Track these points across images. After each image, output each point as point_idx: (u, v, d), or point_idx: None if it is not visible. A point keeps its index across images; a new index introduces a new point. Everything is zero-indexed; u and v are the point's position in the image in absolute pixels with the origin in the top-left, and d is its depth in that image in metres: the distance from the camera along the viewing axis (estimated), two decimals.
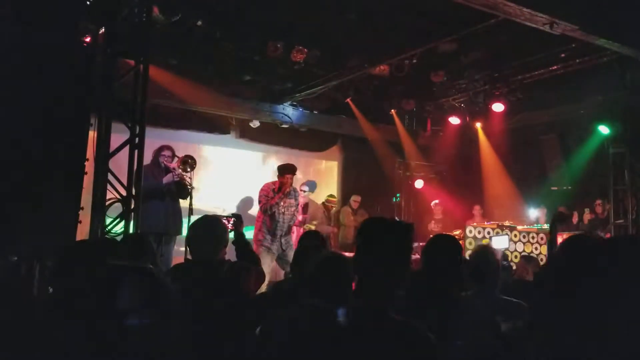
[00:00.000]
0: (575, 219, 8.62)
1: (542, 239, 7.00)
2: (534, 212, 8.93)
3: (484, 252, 3.47)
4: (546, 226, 7.37)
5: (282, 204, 6.80)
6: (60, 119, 4.96)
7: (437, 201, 9.68)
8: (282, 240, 6.78)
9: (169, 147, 6.28)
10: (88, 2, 5.59)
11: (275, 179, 6.91)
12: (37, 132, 4.81)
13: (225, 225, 3.35)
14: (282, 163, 7.22)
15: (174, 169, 6.12)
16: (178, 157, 6.32)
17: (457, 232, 7.29)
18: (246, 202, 9.46)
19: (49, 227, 4.81)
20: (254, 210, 9.38)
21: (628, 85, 7.62)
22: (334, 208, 9.33)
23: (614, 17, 5.92)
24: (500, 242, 6.55)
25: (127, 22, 5.57)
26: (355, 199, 9.55)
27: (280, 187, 6.80)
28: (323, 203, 9.18)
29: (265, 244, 6.68)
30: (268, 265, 6.66)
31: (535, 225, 7.50)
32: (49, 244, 4.49)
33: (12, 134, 4.69)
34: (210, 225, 3.23)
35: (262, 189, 6.98)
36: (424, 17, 6.58)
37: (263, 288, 6.37)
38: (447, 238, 3.40)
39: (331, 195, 9.52)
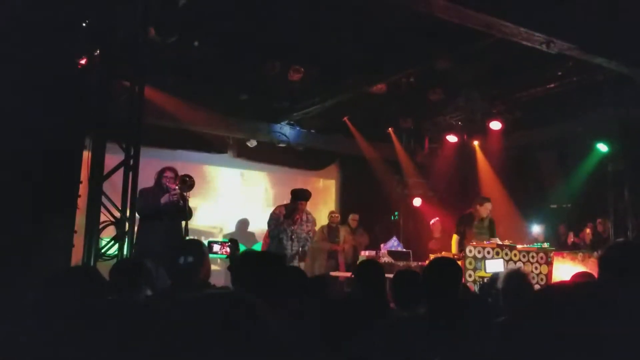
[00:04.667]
0: (570, 240, 8.56)
1: (541, 258, 6.92)
2: (536, 229, 8.87)
3: (517, 276, 3.33)
4: (546, 245, 7.31)
5: (290, 230, 6.67)
6: (54, 140, 4.92)
7: (436, 219, 9.61)
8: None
9: (171, 169, 6.21)
10: (84, 24, 5.59)
11: (270, 196, 6.78)
12: (30, 153, 4.76)
13: (201, 247, 3.25)
14: (296, 188, 6.98)
15: (172, 189, 6.05)
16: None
17: (455, 252, 7.21)
18: (243, 222, 9.39)
19: (44, 251, 4.74)
20: (252, 229, 9.33)
21: (626, 103, 7.60)
22: (336, 223, 9.20)
23: (611, 36, 5.92)
24: (494, 266, 6.46)
25: (124, 43, 5.55)
26: (353, 218, 9.46)
27: (291, 213, 6.67)
28: (328, 223, 9.08)
29: None
30: None
31: (535, 244, 7.42)
32: (43, 268, 4.43)
33: (4, 156, 4.64)
34: (203, 248, 3.18)
35: (272, 213, 6.83)
36: (421, 36, 6.58)
37: None
38: (446, 261, 3.33)
39: (333, 211, 9.43)
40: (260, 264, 2.70)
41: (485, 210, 7.42)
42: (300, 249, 6.74)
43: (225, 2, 6.01)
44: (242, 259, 2.78)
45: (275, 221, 6.67)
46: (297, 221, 6.64)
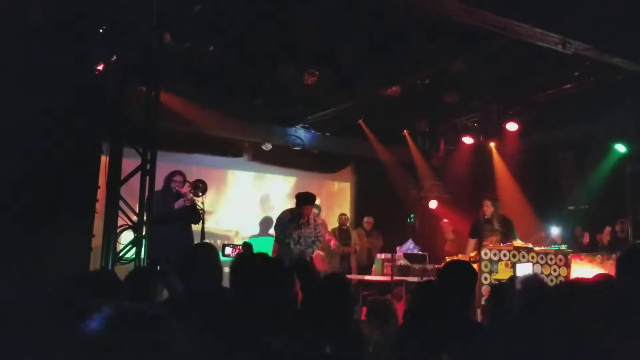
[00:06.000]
0: (585, 240, 8.44)
1: (560, 260, 6.84)
2: (554, 230, 8.79)
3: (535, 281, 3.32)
4: (564, 247, 7.22)
5: (297, 234, 6.68)
6: (72, 145, 4.99)
7: (445, 220, 9.53)
8: None
9: (180, 173, 6.29)
10: (101, 30, 5.67)
11: (285, 199, 6.78)
12: (49, 159, 4.84)
13: (213, 250, 3.29)
14: (300, 191, 7.02)
15: (185, 193, 6.11)
16: (189, 182, 6.32)
17: (472, 254, 7.16)
18: (259, 224, 9.43)
19: (62, 255, 4.81)
20: (267, 232, 9.35)
21: None
22: (346, 225, 9.22)
23: (627, 36, 5.85)
24: (524, 269, 6.41)
25: (139, 49, 5.62)
26: (367, 220, 9.45)
27: (297, 217, 6.69)
28: (339, 226, 9.12)
29: None
30: None
31: (553, 246, 7.33)
32: (62, 272, 4.49)
33: (23, 162, 4.73)
34: (213, 252, 3.22)
35: (278, 218, 6.87)
36: (435, 38, 6.56)
37: None
38: (461, 265, 3.33)
39: (342, 214, 9.45)
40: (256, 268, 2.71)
41: (486, 209, 7.30)
42: (306, 249, 6.74)
43: (240, 6, 6.05)
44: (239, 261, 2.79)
45: (281, 226, 6.70)
46: (303, 225, 6.65)
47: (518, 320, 2.98)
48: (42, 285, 4.10)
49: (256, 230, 9.37)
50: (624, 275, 2.25)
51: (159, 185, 5.82)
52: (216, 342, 2.27)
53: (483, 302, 6.40)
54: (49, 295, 2.79)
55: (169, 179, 6.16)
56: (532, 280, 3.29)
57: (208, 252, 3.16)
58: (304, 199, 6.67)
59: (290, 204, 9.29)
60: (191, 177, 6.49)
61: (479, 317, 5.95)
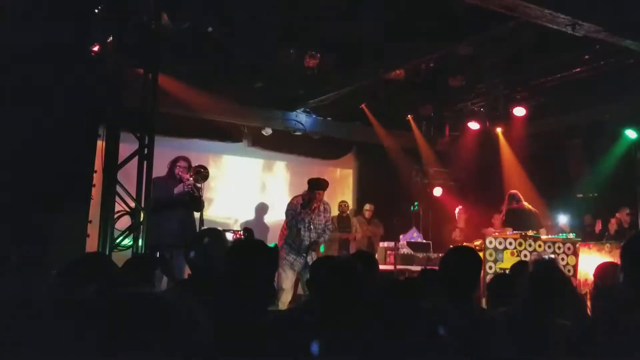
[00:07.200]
0: (598, 228, 8.31)
1: (568, 249, 6.71)
2: (563, 219, 8.67)
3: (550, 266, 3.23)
4: (572, 235, 7.10)
5: (308, 220, 6.60)
6: (68, 129, 4.88)
7: (460, 207, 9.34)
8: (307, 257, 6.56)
9: (184, 158, 6.18)
10: (96, 11, 5.51)
11: (285, 186, 6.69)
12: (44, 143, 4.72)
13: (221, 236, 3.24)
14: (312, 177, 6.99)
15: (186, 179, 5.99)
16: (193, 167, 6.20)
17: (477, 243, 7.04)
18: (259, 211, 9.31)
19: (58, 241, 4.71)
20: (267, 219, 9.25)
21: None
22: (346, 212, 9.09)
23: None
24: None
25: (136, 31, 5.46)
26: (367, 208, 9.32)
27: (308, 202, 6.60)
28: (339, 214, 8.98)
29: (289, 259, 6.50)
30: (290, 280, 6.51)
31: (561, 234, 7.21)
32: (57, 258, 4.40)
33: (18, 145, 4.61)
34: (222, 237, 3.16)
35: (290, 203, 6.80)
36: (441, 20, 6.39)
37: (285, 304, 6.25)
38: (465, 251, 3.23)
39: (342, 201, 9.30)
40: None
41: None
42: (318, 239, 6.64)
43: None
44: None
45: (292, 212, 6.62)
46: (315, 211, 6.57)
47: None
48: (40, 272, 4.03)
49: (255, 216, 9.25)
50: (629, 264, 2.18)
51: (156, 170, 5.70)
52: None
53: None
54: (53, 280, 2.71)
55: (174, 164, 6.05)
56: (545, 262, 3.21)
57: (216, 237, 3.10)
58: (316, 185, 6.64)
59: (290, 190, 9.20)
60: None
61: (485, 306, 5.84)
